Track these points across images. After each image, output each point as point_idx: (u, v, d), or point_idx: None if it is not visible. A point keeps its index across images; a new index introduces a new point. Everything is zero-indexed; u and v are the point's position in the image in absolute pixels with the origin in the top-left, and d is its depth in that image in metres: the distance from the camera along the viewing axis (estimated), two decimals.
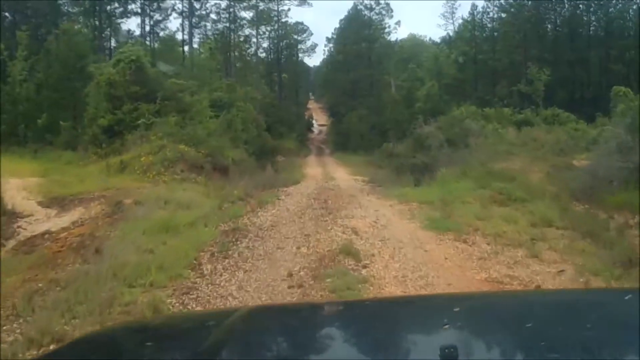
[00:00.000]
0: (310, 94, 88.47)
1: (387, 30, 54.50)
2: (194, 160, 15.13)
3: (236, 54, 46.15)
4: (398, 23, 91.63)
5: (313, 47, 68.73)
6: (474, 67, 42.02)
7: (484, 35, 45.57)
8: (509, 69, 41.08)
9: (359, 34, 51.31)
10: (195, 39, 50.23)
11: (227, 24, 50.40)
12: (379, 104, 45.62)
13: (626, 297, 1.87)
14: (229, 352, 1.52)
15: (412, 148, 24.67)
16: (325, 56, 68.89)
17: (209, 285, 7.00)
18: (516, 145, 25.60)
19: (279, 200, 14.72)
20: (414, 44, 69.33)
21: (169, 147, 14.88)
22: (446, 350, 1.29)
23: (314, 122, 72.31)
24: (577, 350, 1.40)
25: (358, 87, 51.06)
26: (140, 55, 21.79)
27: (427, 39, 74.57)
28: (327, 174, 27.89)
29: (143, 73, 19.27)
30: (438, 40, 62.79)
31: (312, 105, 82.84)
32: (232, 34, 50.73)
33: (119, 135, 19.63)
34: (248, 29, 53.19)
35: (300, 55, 66.49)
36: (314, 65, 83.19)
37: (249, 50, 52.08)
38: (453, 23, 56.66)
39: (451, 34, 54.54)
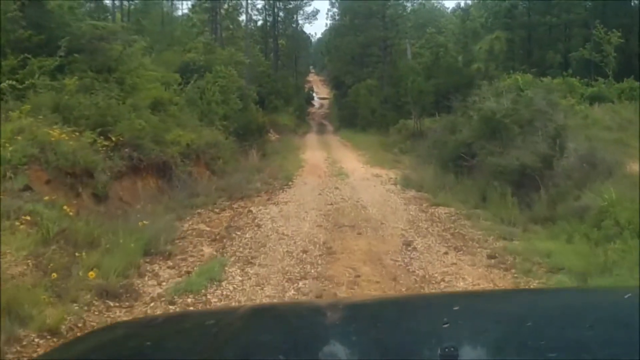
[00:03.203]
0: (311, 66, 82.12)
1: None
2: (69, 161, 7.74)
3: (222, 11, 38.21)
4: None
5: (314, 14, 62.56)
6: (527, 23, 33.36)
7: None
8: (568, 29, 32.92)
9: None
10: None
11: None
12: (394, 73, 38.14)
13: (626, 297, 1.82)
14: (229, 352, 1.50)
15: (450, 129, 17.46)
16: (327, 24, 61.78)
17: None
18: (611, 129, 18.63)
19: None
20: (429, 9, 62.60)
21: (29, 133, 7.68)
22: (446, 350, 1.26)
23: (314, 95, 66.35)
24: (577, 350, 1.37)
25: (368, 54, 43.57)
26: None
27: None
28: (333, 162, 20.57)
29: (41, 9, 11.92)
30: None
31: (312, 78, 77.16)
32: None
33: None
34: None
35: (300, 22, 59.36)
36: (314, 34, 76.50)
37: (240, 10, 44.15)
38: None
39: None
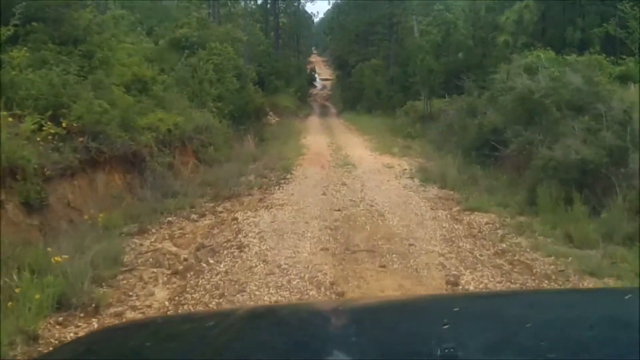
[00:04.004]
0: (313, 48, 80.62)
1: None
2: None
3: None
4: None
5: None
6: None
7: None
8: (583, 6, 30.71)
9: None
10: None
11: None
12: (401, 52, 36.14)
13: (626, 297, 1.83)
14: (229, 353, 1.51)
15: (468, 112, 15.59)
16: (330, 3, 59.71)
17: None
18: None
19: None
20: None
21: None
22: (446, 351, 1.28)
23: (316, 76, 64.59)
24: (577, 350, 1.38)
25: (373, 32, 41.43)
26: None
27: None
28: (337, 149, 18.57)
29: None
30: None
31: (314, 59, 75.54)
32: None
33: None
34: None
35: (302, 0, 57.24)
36: (317, 13, 74.67)
37: None
38: None
39: None
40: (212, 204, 9.54)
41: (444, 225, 8.37)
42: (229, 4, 36.92)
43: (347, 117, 33.84)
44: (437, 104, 25.84)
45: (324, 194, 10.83)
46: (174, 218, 8.42)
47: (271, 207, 9.51)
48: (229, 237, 7.55)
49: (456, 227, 8.28)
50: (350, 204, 9.92)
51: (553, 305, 1.84)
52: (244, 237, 7.63)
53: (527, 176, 9.27)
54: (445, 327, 1.48)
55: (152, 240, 7.24)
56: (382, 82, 35.76)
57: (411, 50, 33.05)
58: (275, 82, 38.62)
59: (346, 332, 1.63)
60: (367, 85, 36.31)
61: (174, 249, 6.80)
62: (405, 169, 13.57)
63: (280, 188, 11.37)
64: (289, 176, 12.76)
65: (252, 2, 50.80)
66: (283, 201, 10.03)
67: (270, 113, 30.08)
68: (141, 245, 6.94)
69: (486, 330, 1.54)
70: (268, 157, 16.01)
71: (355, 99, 38.54)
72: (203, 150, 15.11)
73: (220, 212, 9.14)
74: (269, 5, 50.27)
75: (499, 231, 7.98)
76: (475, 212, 9.00)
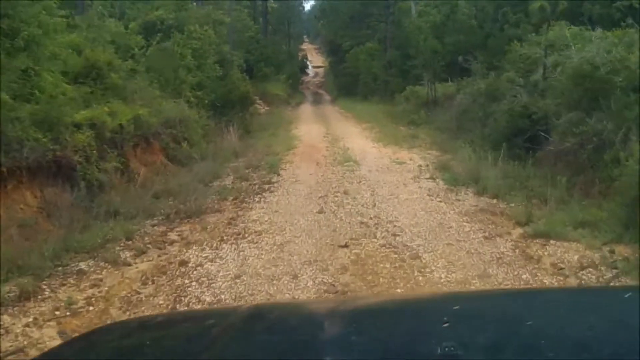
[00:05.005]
0: (305, 36, 77.93)
1: None
2: None
3: None
4: None
5: None
6: None
7: None
8: None
9: None
10: None
11: None
12: (399, 34, 33.87)
13: (626, 296, 1.76)
14: (229, 352, 1.46)
15: (488, 96, 13.34)
16: None
17: None
18: None
19: None
20: None
21: None
22: (446, 349, 1.27)
23: (308, 63, 63.17)
24: (577, 350, 1.33)
25: (367, 13, 39.04)
26: None
27: None
28: (334, 140, 16.18)
29: None
30: None
31: (306, 46, 73.74)
32: None
33: None
34: None
35: None
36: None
37: None
38: None
39: None
40: (163, 228, 7.03)
41: (519, 272, 5.60)
42: None
43: (343, 105, 31.57)
44: (440, 88, 24.14)
45: (320, 211, 8.06)
46: (92, 262, 5.70)
47: (243, 237, 6.82)
48: (163, 310, 4.90)
49: (539, 274, 5.54)
50: (360, 230, 7.17)
51: (553, 305, 1.76)
52: (189, 299, 5.17)
53: (614, 187, 6.70)
54: (445, 325, 1.46)
55: (31, 319, 4.45)
56: (378, 67, 33.67)
57: (410, 32, 30.87)
58: (264, 69, 36.38)
59: (346, 332, 1.58)
60: (363, 71, 34.19)
61: (55, 342, 4.00)
62: (420, 165, 11.15)
63: (262, 199, 8.79)
64: (275, 179, 10.34)
65: None
66: (262, 225, 7.35)
67: (259, 102, 27.89)
68: (6, 333, 4.28)
69: (486, 329, 1.50)
70: (253, 152, 13.70)
71: (350, 86, 36.45)
72: (175, 147, 12.81)
73: (171, 243, 6.56)
74: None
75: (607, 275, 5.40)
76: (551, 241, 6.32)
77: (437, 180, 9.75)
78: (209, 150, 13.55)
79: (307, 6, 76.44)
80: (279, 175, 10.64)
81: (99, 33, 15.08)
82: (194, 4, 27.68)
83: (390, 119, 21.69)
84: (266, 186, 9.65)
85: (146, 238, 6.62)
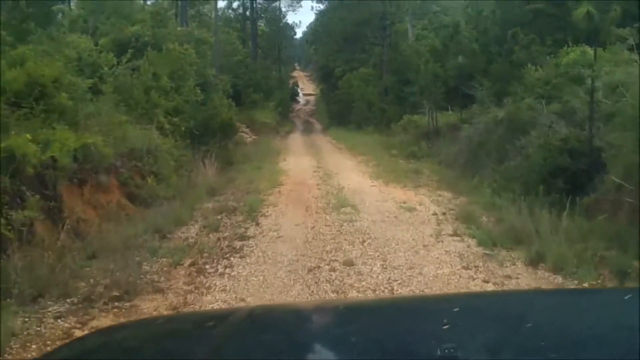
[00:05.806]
0: (296, 63, 77.70)
1: None
2: None
3: None
4: None
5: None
6: None
7: None
8: None
9: None
10: None
11: None
12: (396, 57, 32.18)
13: (626, 297, 1.80)
14: (229, 353, 1.45)
15: (508, 126, 11.52)
16: (313, 8, 56.38)
17: None
18: None
19: None
20: None
21: None
22: (446, 351, 1.26)
23: (299, 90, 62.03)
24: (577, 350, 1.36)
25: (362, 35, 37.30)
26: None
27: None
28: (326, 176, 14.05)
29: None
30: None
31: (297, 74, 73.59)
32: None
33: None
34: None
35: (283, 9, 53.88)
36: (299, 23, 72.46)
37: None
38: None
39: None
40: (72, 320, 4.73)
41: None
42: (197, 3, 32.70)
43: (335, 134, 29.64)
44: (441, 117, 22.54)
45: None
46: None
47: None
48: None
49: None
50: None
51: (553, 305, 1.80)
52: None
53: None
54: (445, 327, 1.46)
55: None
56: (374, 93, 31.99)
57: (408, 55, 29.15)
58: (253, 96, 34.73)
59: (346, 332, 1.59)
60: (357, 97, 32.40)
61: None
62: (436, 213, 9.01)
63: (228, 270, 6.42)
64: (251, 232, 8.17)
65: (230, 10, 47.06)
66: None
67: (246, 130, 25.98)
68: None
69: (486, 330, 1.52)
70: (232, 189, 11.74)
71: (343, 114, 34.67)
72: (139, 183, 10.78)
73: None
74: (247, 12, 46.04)
75: None
76: None
77: (465, 238, 7.55)
78: (182, 186, 11.56)
79: (299, 32, 75.25)
80: (257, 225, 8.51)
81: (58, 47, 13.19)
82: (178, 22, 26.02)
83: (388, 151, 19.85)
84: (238, 244, 7.39)
85: (33, 345, 4.30)
